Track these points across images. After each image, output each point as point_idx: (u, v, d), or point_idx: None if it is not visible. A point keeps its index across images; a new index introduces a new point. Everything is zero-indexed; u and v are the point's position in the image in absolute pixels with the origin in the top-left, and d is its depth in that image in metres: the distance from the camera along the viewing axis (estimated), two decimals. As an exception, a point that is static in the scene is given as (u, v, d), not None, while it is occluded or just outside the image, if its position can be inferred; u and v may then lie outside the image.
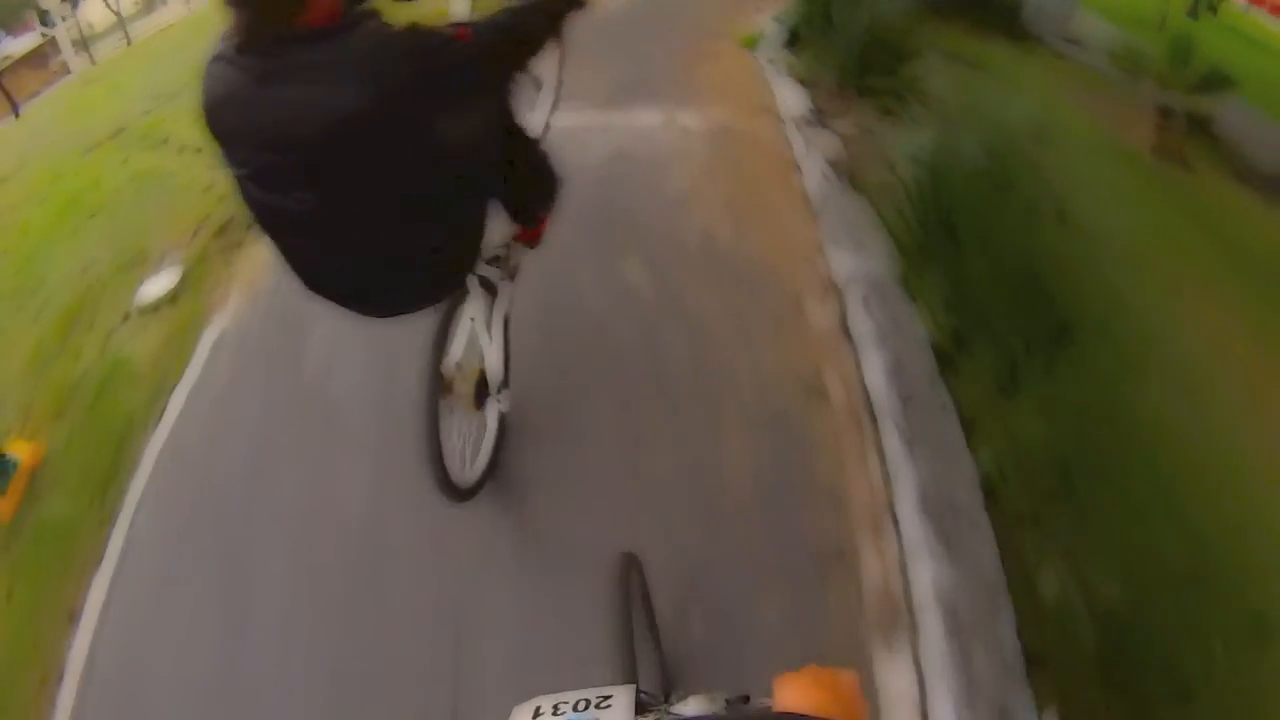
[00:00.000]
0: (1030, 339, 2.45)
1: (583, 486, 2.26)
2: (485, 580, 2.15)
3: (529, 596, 2.09)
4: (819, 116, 3.73)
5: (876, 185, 3.23)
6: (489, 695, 1.93)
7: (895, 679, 1.84)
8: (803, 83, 3.98)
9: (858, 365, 2.50)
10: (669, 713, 0.84)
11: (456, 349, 2.10)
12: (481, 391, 2.20)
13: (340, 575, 2.25)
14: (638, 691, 0.86)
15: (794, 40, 4.35)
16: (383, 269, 1.76)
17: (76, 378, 3.26)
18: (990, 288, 2.61)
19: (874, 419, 2.35)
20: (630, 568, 1.52)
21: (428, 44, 1.50)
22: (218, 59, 1.50)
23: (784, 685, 0.79)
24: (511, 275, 2.38)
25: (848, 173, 3.34)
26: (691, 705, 0.85)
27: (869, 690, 1.81)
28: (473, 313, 2.14)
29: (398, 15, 1.60)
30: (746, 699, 0.85)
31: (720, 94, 3.84)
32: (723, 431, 2.31)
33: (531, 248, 2.37)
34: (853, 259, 2.86)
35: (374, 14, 1.53)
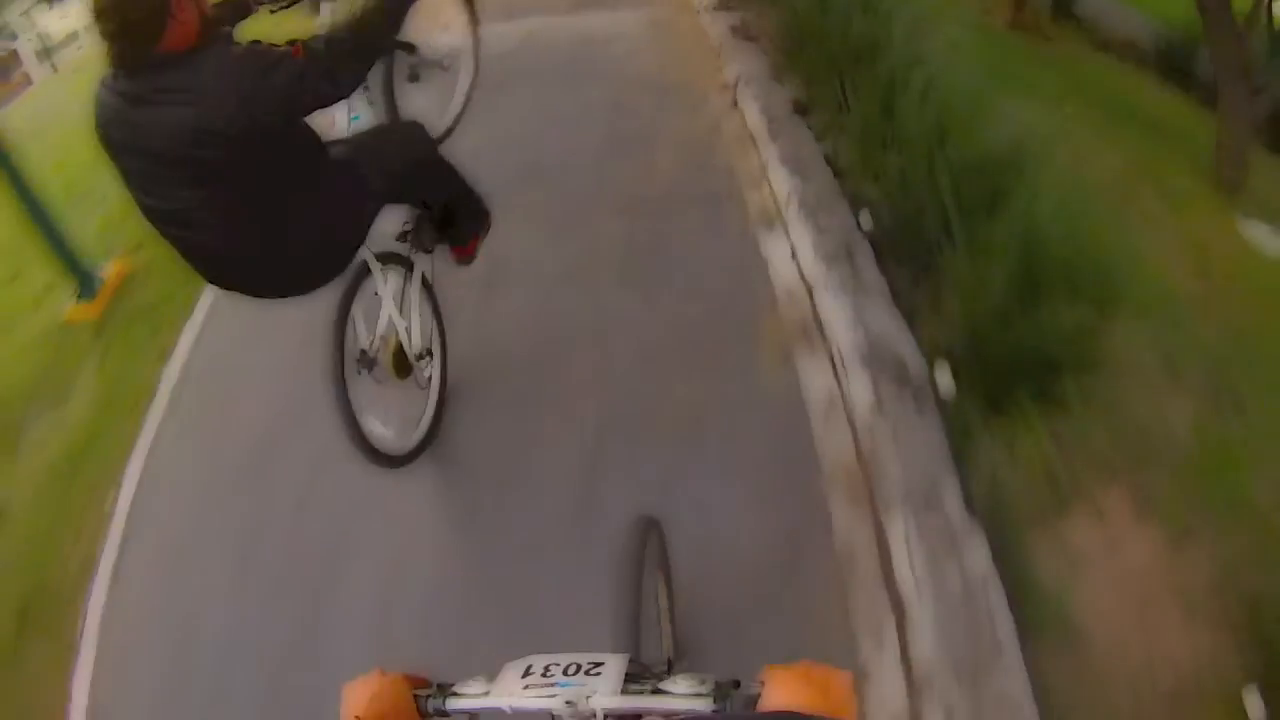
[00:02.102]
0: (850, 84, 3.71)
1: (559, 199, 3.43)
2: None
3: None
4: (725, 6, 5.08)
5: (760, 38, 4.56)
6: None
7: (774, 247, 3.04)
8: (713, -10, 5.36)
9: (743, 118, 3.79)
10: (657, 689, 0.85)
11: (379, 323, 2.27)
12: (402, 361, 2.34)
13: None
14: (630, 662, 0.88)
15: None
16: (258, 255, 1.95)
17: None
18: (827, 68, 3.88)
19: (754, 140, 3.62)
20: (649, 532, 1.57)
21: (262, 63, 1.73)
22: (102, 86, 1.77)
23: (774, 678, 0.79)
24: (426, 249, 2.50)
25: (741, 33, 4.67)
26: (680, 684, 0.84)
27: (760, 271, 3.00)
28: (379, 288, 2.26)
29: (258, 28, 2.02)
30: (737, 684, 0.83)
31: (651, 1, 5.21)
32: (656, 152, 3.59)
33: (462, 264, 2.56)
34: (739, 68, 4.17)
35: (225, 35, 1.82)
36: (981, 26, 6.10)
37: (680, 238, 3.08)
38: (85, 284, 3.68)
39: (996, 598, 2.00)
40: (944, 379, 2.38)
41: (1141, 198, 4.24)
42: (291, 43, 1.79)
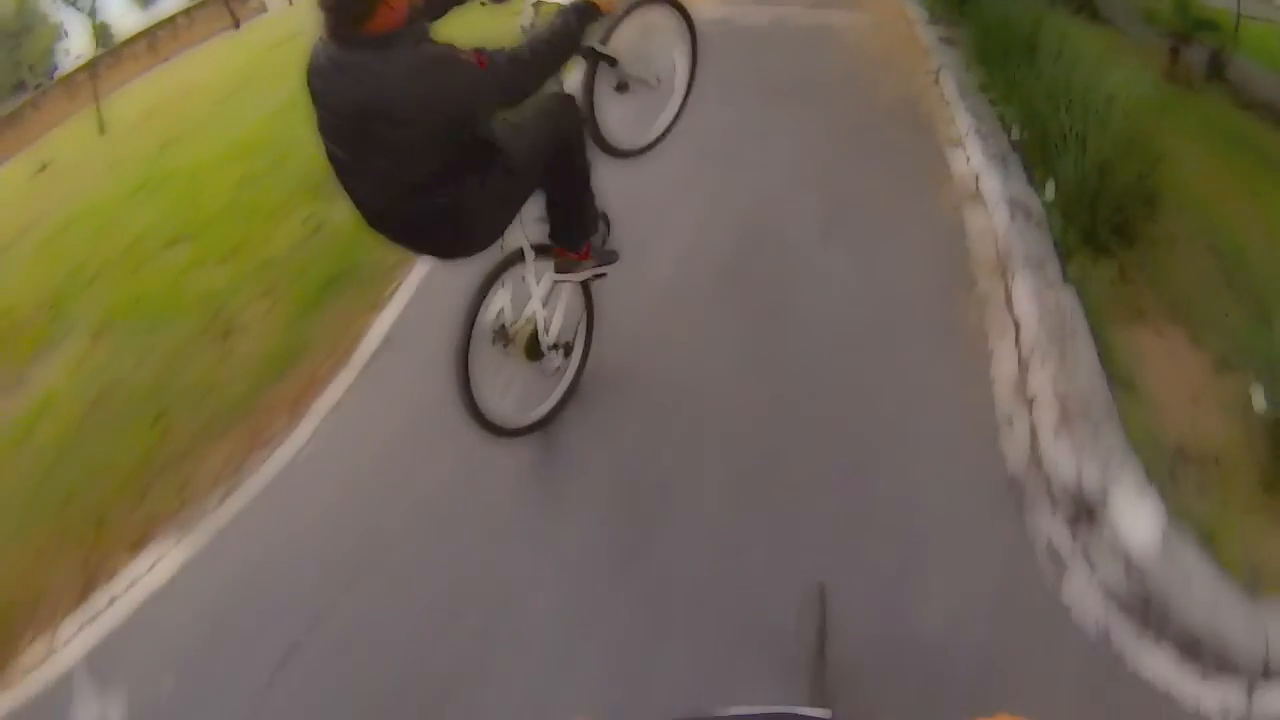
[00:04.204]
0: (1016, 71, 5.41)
1: (804, 110, 5.29)
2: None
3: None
4: (935, 21, 6.91)
5: (960, 44, 6.36)
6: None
7: (954, 154, 4.71)
8: (928, 9, 7.20)
9: (940, 88, 5.58)
10: None
11: (525, 307, 2.40)
12: (534, 348, 2.43)
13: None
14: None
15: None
16: (403, 216, 2.15)
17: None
18: (1002, 62, 5.61)
19: (946, 100, 5.41)
20: (822, 599, 1.78)
21: (448, 70, 1.91)
22: (318, 40, 1.97)
23: None
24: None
25: (946, 40, 6.49)
26: None
27: (944, 164, 4.78)
28: (530, 277, 2.37)
29: (471, 22, 2.29)
30: None
31: (877, 9, 7.12)
32: (875, 98, 5.42)
33: (565, 270, 2.50)
34: (941, 59, 5.99)
35: (422, 31, 1.96)
36: (1134, 66, 7.58)
37: (889, 142, 4.89)
38: None
39: (1079, 320, 3.15)
40: (1050, 191, 4.08)
41: (1230, 191, 5.66)
42: (478, 51, 1.95)
